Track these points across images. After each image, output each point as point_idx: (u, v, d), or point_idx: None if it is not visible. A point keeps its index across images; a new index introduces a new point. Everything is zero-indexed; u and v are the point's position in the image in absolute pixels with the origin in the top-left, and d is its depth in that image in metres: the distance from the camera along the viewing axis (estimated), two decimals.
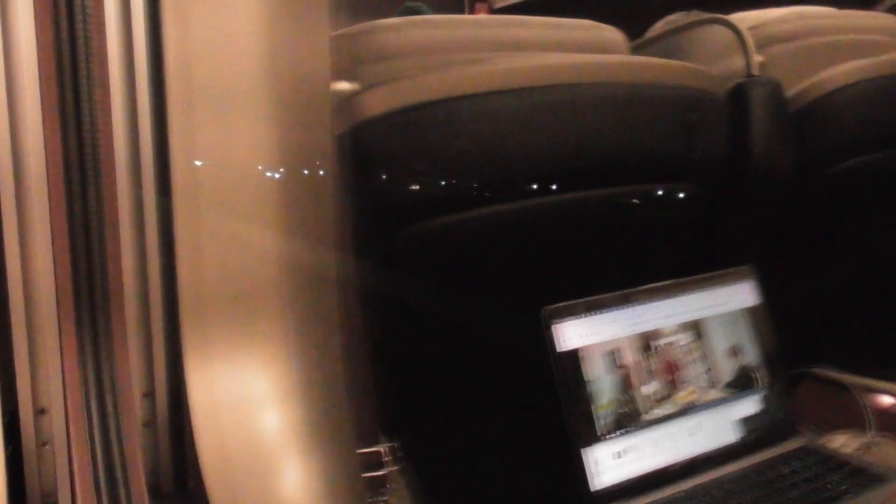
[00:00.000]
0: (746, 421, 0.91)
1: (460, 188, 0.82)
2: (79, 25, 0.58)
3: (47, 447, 0.62)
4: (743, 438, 0.91)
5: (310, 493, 0.67)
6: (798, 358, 1.07)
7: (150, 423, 0.67)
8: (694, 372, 0.90)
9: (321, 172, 0.68)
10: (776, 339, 0.95)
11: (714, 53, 1.09)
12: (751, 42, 1.06)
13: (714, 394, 0.91)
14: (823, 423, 0.98)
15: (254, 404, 0.66)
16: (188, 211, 0.63)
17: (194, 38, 0.61)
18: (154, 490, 0.67)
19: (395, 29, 0.88)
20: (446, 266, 0.88)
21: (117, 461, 0.61)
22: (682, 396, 0.89)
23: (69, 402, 0.61)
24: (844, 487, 0.83)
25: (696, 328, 0.91)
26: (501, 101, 0.82)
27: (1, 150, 0.58)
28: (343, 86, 0.81)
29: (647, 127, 0.91)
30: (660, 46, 1.17)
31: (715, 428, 0.89)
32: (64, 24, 0.58)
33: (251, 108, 0.64)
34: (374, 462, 0.77)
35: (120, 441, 0.61)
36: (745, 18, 1.12)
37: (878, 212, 1.17)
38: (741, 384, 0.93)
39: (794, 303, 1.12)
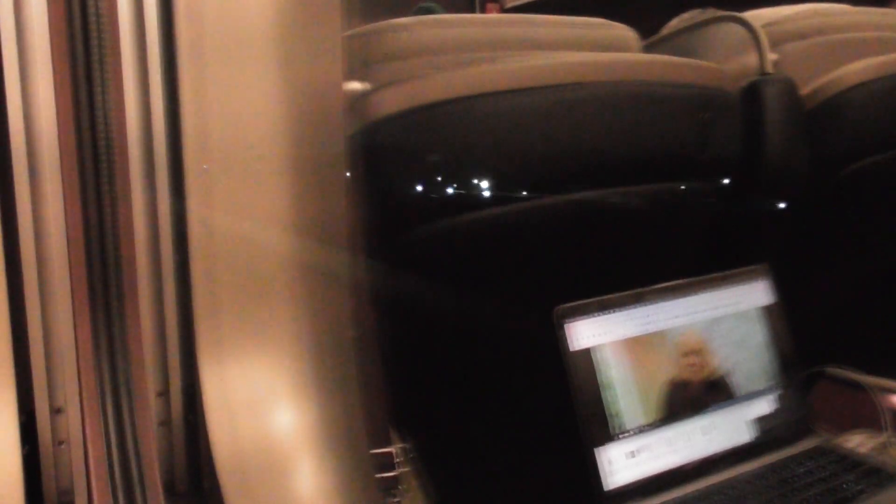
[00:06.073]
0: (761, 420, 0.91)
1: (473, 188, 0.82)
2: (91, 16, 0.59)
3: (63, 446, 0.63)
4: (757, 438, 0.90)
5: (324, 492, 0.67)
6: (813, 357, 1.06)
7: (165, 422, 0.67)
8: (708, 371, 0.89)
9: (334, 172, 0.68)
10: (791, 339, 0.95)
11: (728, 51, 1.09)
12: (765, 40, 1.05)
13: (728, 393, 0.90)
14: (839, 422, 0.98)
15: (268, 403, 0.66)
16: (202, 210, 0.63)
17: (206, 34, 0.61)
18: (169, 489, 0.68)
19: (407, 28, 0.88)
20: (459, 265, 0.88)
21: (133, 460, 0.61)
22: (697, 396, 0.88)
23: (85, 402, 0.62)
24: (860, 487, 0.82)
25: (709, 327, 0.90)
26: (513, 101, 0.82)
27: (16, 146, 0.58)
28: (355, 85, 0.81)
29: (660, 125, 0.91)
30: (673, 44, 1.17)
31: (729, 427, 0.89)
32: (77, 17, 0.59)
33: (264, 108, 0.64)
34: (386, 463, 0.77)
35: (135, 440, 0.62)
36: (759, 16, 1.12)
37: (893, 210, 1.16)
38: (756, 383, 0.92)
39: (809, 302, 1.11)
